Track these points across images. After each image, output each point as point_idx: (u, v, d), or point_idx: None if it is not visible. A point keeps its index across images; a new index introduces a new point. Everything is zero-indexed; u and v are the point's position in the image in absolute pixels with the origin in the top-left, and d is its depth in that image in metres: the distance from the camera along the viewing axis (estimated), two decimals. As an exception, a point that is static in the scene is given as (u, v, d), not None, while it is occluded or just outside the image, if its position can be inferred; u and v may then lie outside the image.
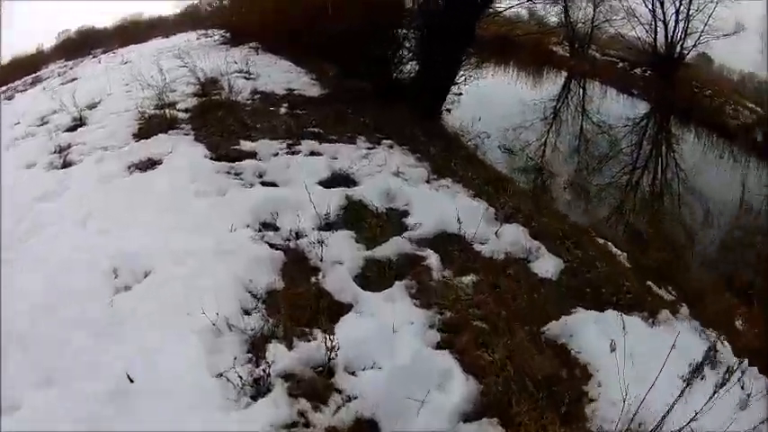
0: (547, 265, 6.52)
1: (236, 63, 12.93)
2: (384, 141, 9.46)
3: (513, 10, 14.12)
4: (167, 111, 9.49)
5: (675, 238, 10.69)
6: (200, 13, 22.89)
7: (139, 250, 5.51)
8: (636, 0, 27.72)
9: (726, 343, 5.86)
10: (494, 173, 9.96)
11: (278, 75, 12.79)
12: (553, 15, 27.46)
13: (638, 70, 29.30)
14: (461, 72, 13.33)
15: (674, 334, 5.72)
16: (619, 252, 7.49)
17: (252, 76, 12.50)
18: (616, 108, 23.73)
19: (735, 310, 7.17)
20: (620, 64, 30.09)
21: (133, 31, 23.48)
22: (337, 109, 10.64)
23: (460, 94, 14.66)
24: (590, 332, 5.48)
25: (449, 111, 14.14)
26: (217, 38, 17.61)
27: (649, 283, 6.74)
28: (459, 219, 6.64)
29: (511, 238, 6.86)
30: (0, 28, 16.80)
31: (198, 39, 18.02)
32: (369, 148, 9.06)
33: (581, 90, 26.50)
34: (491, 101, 17.08)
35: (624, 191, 14.01)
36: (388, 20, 12.72)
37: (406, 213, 7.16)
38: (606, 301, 6.11)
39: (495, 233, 6.89)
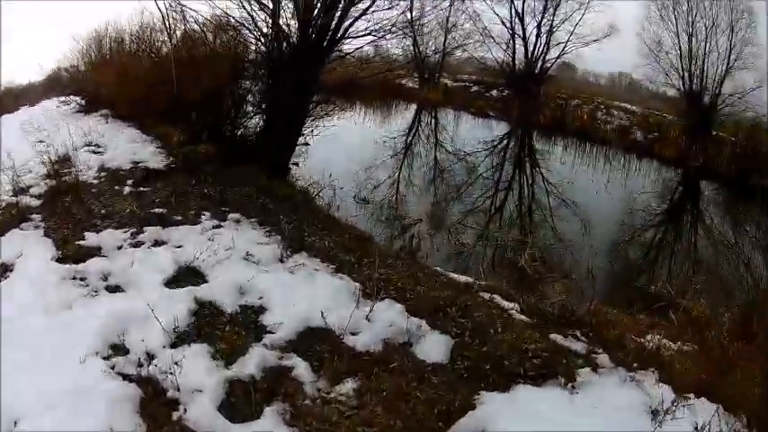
0: (434, 347, 5.42)
1: (86, 135, 11.92)
2: (231, 216, 8.38)
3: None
4: (21, 198, 8.73)
5: (561, 261, 10.03)
6: (61, 80, 21.70)
7: (5, 395, 4.57)
8: (494, 20, 28.16)
9: (662, 384, 5.03)
10: (353, 234, 8.88)
11: (125, 145, 11.70)
12: (399, 49, 27.43)
13: (494, 91, 29.85)
14: (308, 122, 12.34)
15: (600, 397, 4.87)
16: (509, 305, 6.46)
17: (100, 149, 11.45)
18: (472, 133, 23.57)
19: (656, 336, 6.32)
20: (474, 88, 30.52)
21: (5, 100, 21.89)
22: (182, 181, 9.58)
23: (308, 144, 13.63)
24: (502, 422, 4.42)
25: (297, 165, 13.13)
26: (73, 105, 16.34)
27: (553, 336, 5.76)
28: (322, 313, 5.54)
29: (386, 320, 5.71)
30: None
31: (57, 107, 16.56)
32: (215, 227, 7.97)
33: (433, 120, 26.26)
34: (341, 146, 16.24)
35: (490, 218, 13.27)
36: (231, 74, 11.66)
37: (262, 310, 5.96)
38: (511, 374, 5.09)
39: (367, 317, 5.71)
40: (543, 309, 6.31)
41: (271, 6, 10.99)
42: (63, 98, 17.33)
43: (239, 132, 12.20)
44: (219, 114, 11.91)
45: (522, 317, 6.19)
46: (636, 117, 25.06)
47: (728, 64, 21.56)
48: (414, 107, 28.23)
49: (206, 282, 6.47)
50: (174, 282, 6.45)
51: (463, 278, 7.38)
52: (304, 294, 6.09)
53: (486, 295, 6.66)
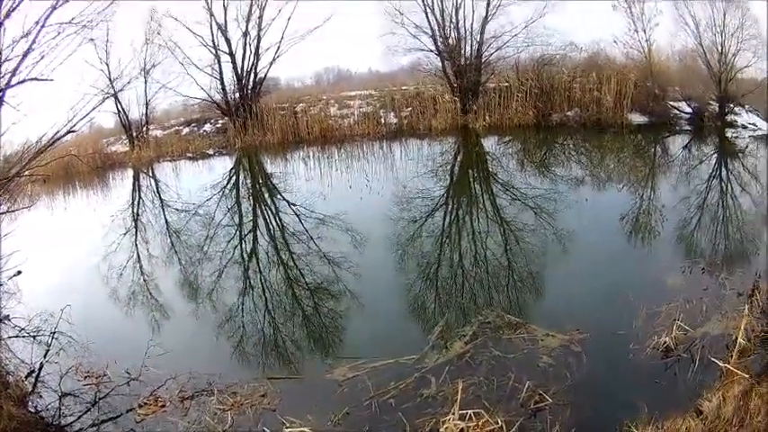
0: None
1: None
2: None
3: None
4: None
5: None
6: None
7: None
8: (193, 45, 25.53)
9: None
10: None
11: None
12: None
13: (207, 126, 28.03)
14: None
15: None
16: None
17: None
18: (196, 181, 21.43)
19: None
20: (185, 129, 28.40)
21: None
22: None
23: (18, 273, 10.99)
24: None
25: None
26: None
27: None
28: None
29: None
30: None
31: None
32: None
33: (152, 180, 23.46)
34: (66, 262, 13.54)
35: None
36: None
37: None
38: None
39: None
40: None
41: None
42: None
43: None
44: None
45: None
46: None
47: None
48: (131, 172, 25.27)
49: None
50: None
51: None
52: None
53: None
